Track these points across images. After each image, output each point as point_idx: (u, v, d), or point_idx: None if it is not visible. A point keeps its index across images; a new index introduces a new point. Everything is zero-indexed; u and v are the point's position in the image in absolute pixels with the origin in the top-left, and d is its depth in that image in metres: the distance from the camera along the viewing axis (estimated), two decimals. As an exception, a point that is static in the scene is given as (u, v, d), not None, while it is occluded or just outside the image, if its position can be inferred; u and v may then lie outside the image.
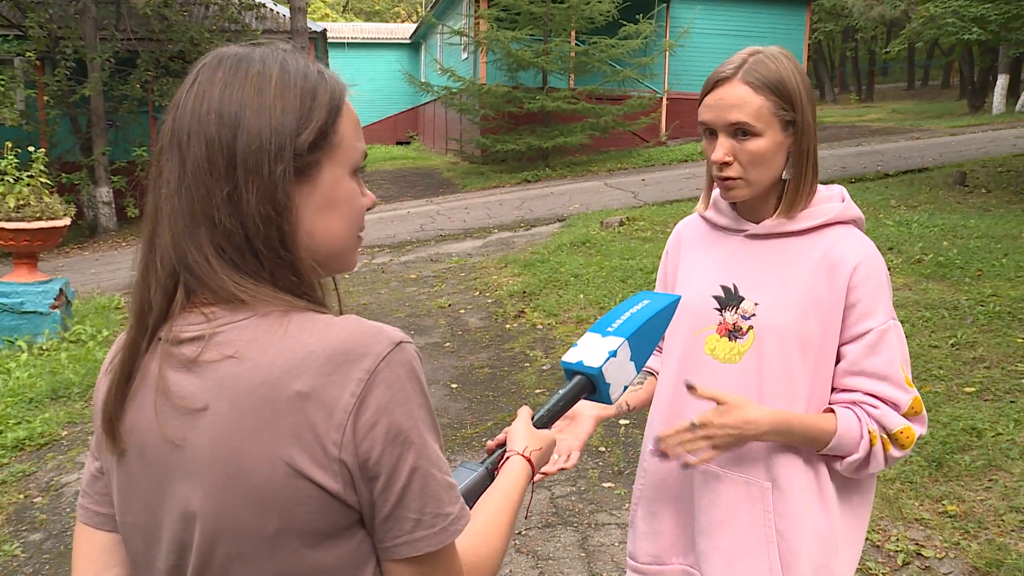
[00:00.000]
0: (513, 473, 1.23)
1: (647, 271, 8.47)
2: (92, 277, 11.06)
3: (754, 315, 1.68)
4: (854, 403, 1.63)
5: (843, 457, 1.63)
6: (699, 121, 1.70)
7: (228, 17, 16.23)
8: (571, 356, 1.40)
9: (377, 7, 54.23)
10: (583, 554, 3.73)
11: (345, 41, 30.95)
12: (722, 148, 1.64)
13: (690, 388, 1.62)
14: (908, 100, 35.34)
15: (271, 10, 18.65)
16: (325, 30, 20.18)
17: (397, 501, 0.96)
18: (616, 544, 3.81)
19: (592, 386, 1.38)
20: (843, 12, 33.26)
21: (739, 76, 1.62)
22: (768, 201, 1.72)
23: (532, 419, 1.35)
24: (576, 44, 18.96)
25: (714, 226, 1.83)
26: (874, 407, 1.61)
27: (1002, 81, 24.88)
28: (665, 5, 20.92)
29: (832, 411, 1.63)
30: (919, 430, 1.64)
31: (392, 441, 0.95)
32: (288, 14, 17.22)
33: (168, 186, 0.99)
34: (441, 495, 0.99)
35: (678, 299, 1.50)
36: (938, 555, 3.54)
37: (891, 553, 3.57)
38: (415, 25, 33.21)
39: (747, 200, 1.72)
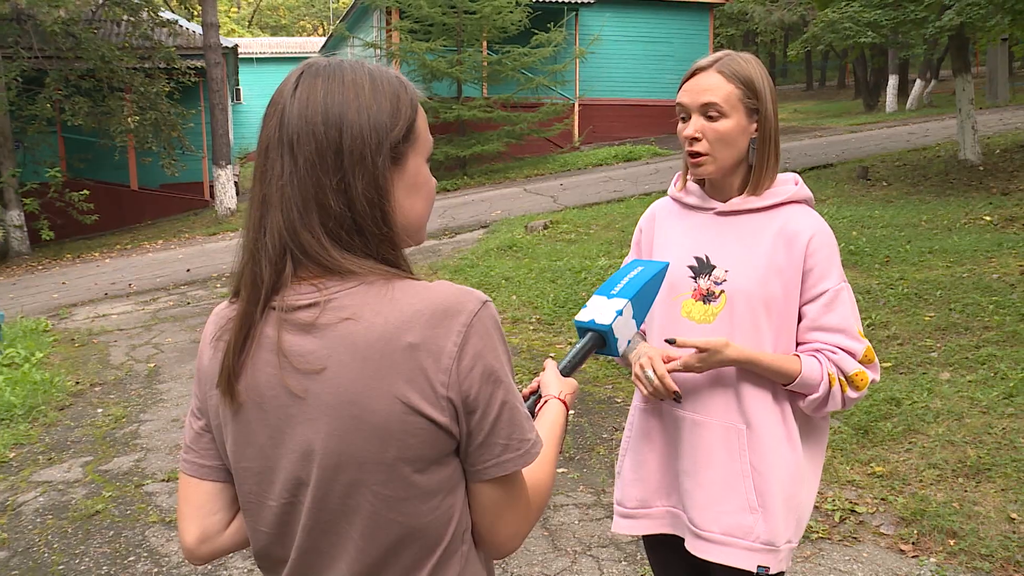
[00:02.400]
0: (554, 413, 1.45)
1: (575, 271, 8.76)
2: (12, 301, 10.82)
3: (725, 280, 1.94)
4: (817, 351, 1.90)
5: (806, 396, 1.89)
6: (676, 104, 1.98)
7: (140, 34, 16.00)
8: (583, 316, 1.63)
9: (283, 21, 53.73)
10: (546, 533, 3.96)
11: (255, 56, 30.70)
12: (693, 126, 1.92)
13: (670, 342, 1.87)
14: (808, 100, 36.81)
15: (183, 27, 18.42)
16: (236, 45, 20.08)
17: (490, 430, 1.16)
18: (576, 523, 4.04)
19: (603, 341, 1.60)
20: (744, 17, 34.38)
21: (714, 67, 1.91)
22: (732, 183, 1.99)
23: (558, 368, 1.56)
24: (489, 54, 19.24)
25: (684, 205, 2.09)
26: (833, 353, 1.89)
27: (893, 81, 26.27)
28: (575, 14, 21.39)
29: (798, 356, 1.89)
30: (872, 375, 1.92)
31: (486, 381, 1.14)
32: (200, 30, 17.04)
33: (281, 179, 1.16)
34: (523, 424, 1.19)
35: (667, 265, 1.75)
36: (870, 510, 3.90)
37: (828, 512, 3.90)
38: (324, 38, 33.09)
39: (714, 180, 1.98)
